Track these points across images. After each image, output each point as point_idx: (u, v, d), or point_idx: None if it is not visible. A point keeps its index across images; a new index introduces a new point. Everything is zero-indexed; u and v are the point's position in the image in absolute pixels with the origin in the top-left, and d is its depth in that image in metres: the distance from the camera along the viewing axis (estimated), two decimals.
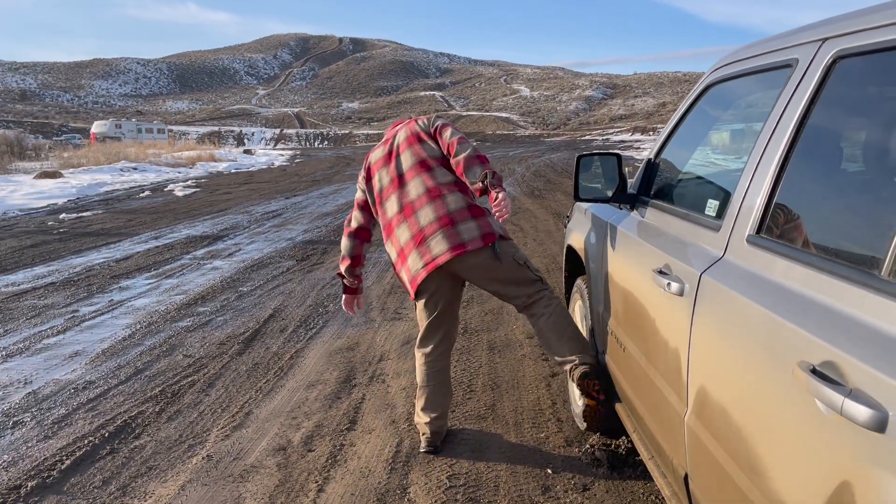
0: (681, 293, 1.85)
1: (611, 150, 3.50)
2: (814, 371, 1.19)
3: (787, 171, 1.61)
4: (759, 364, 1.42)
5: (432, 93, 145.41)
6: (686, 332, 1.80)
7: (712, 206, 2.00)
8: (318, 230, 9.74)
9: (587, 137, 65.98)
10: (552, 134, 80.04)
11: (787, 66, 1.74)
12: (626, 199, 2.72)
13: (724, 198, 1.95)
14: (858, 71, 1.52)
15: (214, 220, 10.98)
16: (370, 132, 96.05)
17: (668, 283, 1.91)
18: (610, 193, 2.74)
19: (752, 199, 1.69)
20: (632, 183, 2.82)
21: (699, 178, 2.56)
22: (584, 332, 3.28)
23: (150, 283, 6.47)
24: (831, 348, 1.19)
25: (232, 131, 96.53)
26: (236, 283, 6.42)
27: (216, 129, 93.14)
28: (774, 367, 1.35)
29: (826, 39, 1.59)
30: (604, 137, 62.95)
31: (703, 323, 1.71)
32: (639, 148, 35.92)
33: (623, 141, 51.00)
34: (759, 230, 1.63)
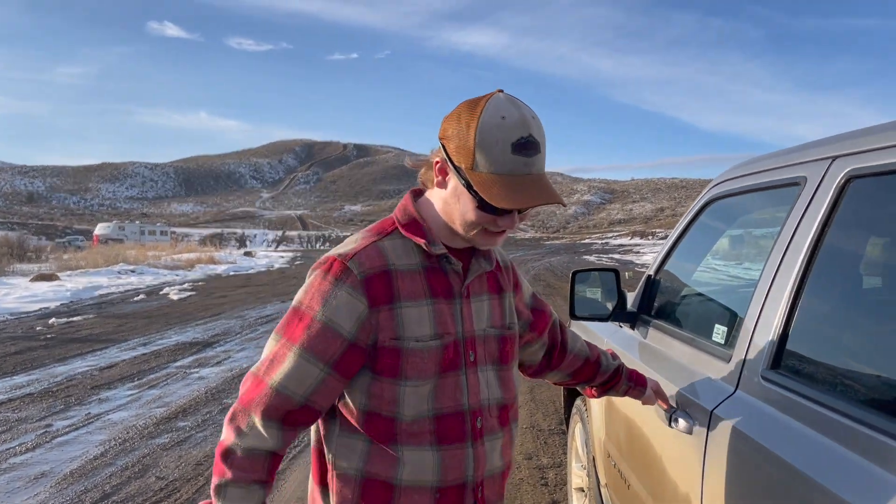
0: (690, 431, 1.66)
1: (608, 266, 3.36)
2: None
3: (804, 298, 1.45)
4: None
5: None
6: (698, 475, 1.59)
7: (720, 331, 1.84)
8: None
9: (587, 241, 66.70)
10: (552, 237, 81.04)
11: (795, 184, 1.63)
12: (626, 317, 2.55)
13: (733, 323, 1.79)
14: (875, 191, 1.39)
15: (206, 325, 10.77)
16: None
17: (676, 419, 1.72)
18: (609, 309, 2.57)
19: (765, 328, 1.52)
20: (631, 298, 2.66)
21: (703, 297, 2.40)
22: (583, 457, 3.04)
23: (131, 395, 6.19)
24: None
25: (234, 233, 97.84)
26: (221, 395, 6.14)
27: (219, 230, 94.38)
28: None
29: (836, 158, 1.48)
30: (603, 241, 63.63)
31: (719, 467, 1.51)
32: (638, 252, 36.15)
33: (622, 245, 51.48)
34: (774, 364, 1.46)
